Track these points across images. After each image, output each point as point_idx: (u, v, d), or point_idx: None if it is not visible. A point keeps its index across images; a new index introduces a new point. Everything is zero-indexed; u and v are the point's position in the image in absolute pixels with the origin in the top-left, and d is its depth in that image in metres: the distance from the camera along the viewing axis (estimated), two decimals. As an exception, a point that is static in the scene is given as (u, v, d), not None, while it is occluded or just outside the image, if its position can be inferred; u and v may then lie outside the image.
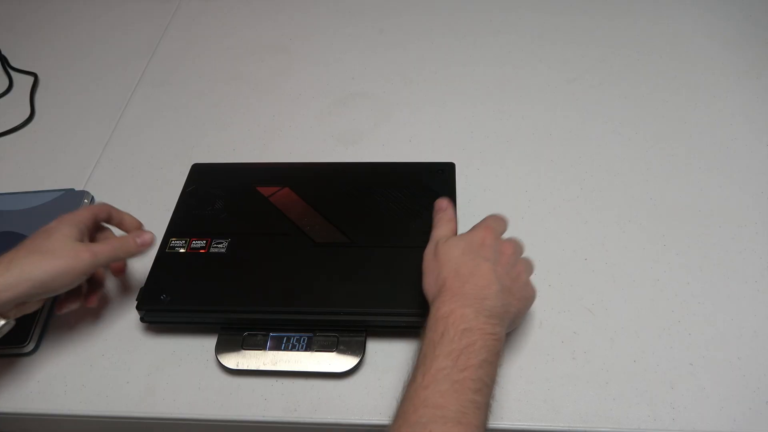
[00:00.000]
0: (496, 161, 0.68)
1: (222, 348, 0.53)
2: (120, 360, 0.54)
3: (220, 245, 0.56)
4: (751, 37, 0.82)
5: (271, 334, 0.53)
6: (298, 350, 0.52)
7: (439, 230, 0.51)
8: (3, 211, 0.64)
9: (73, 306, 0.53)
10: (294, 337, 0.53)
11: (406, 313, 0.52)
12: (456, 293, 0.45)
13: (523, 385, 0.51)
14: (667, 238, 0.60)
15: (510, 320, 0.47)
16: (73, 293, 0.53)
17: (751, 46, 0.80)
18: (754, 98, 0.73)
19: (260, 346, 0.52)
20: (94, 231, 0.54)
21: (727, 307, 0.55)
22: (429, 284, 0.48)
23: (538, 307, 0.55)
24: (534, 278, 0.57)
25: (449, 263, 0.47)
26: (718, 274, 0.57)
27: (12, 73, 0.85)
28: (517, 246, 0.50)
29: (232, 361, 0.52)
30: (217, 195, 0.62)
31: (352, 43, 0.86)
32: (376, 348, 0.53)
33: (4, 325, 0.47)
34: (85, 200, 0.66)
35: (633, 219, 0.62)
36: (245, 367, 0.52)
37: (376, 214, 0.59)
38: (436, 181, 0.61)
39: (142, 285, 0.55)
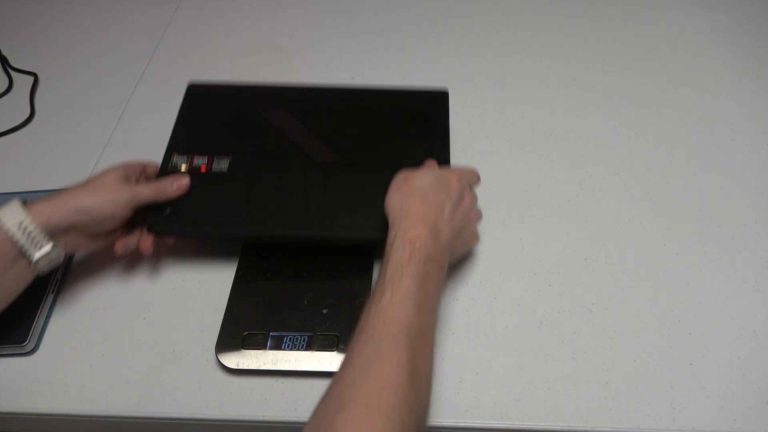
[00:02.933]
0: (496, 161, 0.68)
1: (222, 347, 0.53)
2: (120, 360, 0.54)
3: (222, 163, 0.59)
4: (751, 37, 0.82)
5: (271, 333, 0.53)
6: (298, 350, 0.52)
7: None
8: None
9: (131, 245, 0.56)
10: (294, 336, 0.53)
11: None
12: (421, 220, 0.49)
13: (523, 385, 0.51)
14: (667, 238, 0.60)
15: (451, 259, 0.51)
16: (131, 236, 0.57)
17: (751, 46, 0.80)
18: (754, 98, 0.73)
19: (260, 346, 0.52)
20: (141, 178, 0.58)
21: (727, 307, 0.55)
22: (394, 202, 0.51)
23: (538, 307, 0.55)
24: (534, 278, 0.57)
25: (419, 190, 0.51)
26: (718, 274, 0.57)
27: (12, 73, 0.85)
28: (475, 199, 0.56)
29: (232, 360, 0.52)
30: (217, 114, 0.63)
31: (352, 43, 0.86)
32: (376, 348, 0.53)
33: (50, 251, 0.50)
34: None
35: (633, 219, 0.62)
36: (245, 367, 0.52)
37: (373, 137, 0.61)
38: (430, 107, 0.63)
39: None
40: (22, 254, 0.49)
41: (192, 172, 0.58)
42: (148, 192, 0.55)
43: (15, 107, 0.80)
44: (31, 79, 0.83)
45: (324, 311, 0.54)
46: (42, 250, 0.50)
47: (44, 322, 0.57)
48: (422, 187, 0.52)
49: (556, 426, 0.48)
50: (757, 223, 0.61)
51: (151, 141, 0.74)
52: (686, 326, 0.53)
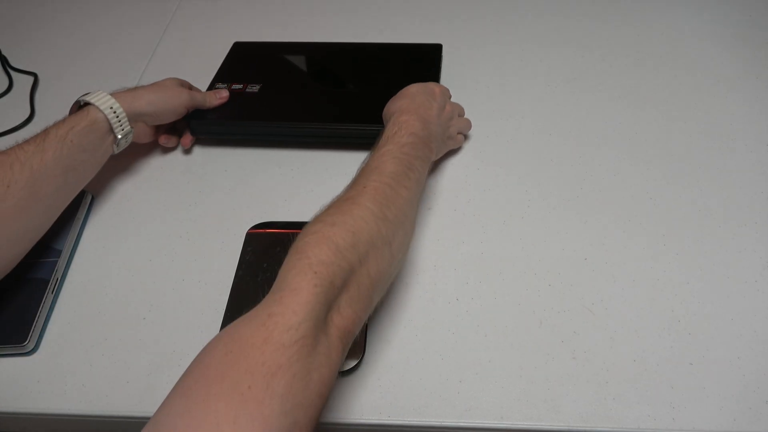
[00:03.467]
0: (496, 161, 0.68)
1: (222, 348, 0.53)
2: (120, 360, 0.54)
3: (254, 88, 0.74)
4: (751, 37, 0.82)
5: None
6: (298, 350, 0.52)
7: None
8: None
9: (172, 142, 0.71)
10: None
11: None
12: (412, 112, 0.58)
13: (523, 385, 0.51)
14: (667, 238, 0.60)
15: (438, 151, 0.63)
16: (173, 132, 0.72)
17: (751, 46, 0.80)
18: (754, 98, 0.73)
19: (260, 346, 0.52)
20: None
21: (727, 307, 0.55)
22: (390, 108, 0.61)
23: (538, 307, 0.55)
24: (534, 278, 0.57)
25: (408, 95, 0.61)
26: (718, 274, 0.57)
27: (12, 73, 0.85)
28: (456, 108, 0.68)
29: (232, 360, 0.52)
30: (252, 60, 0.80)
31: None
32: (376, 347, 0.53)
33: (129, 133, 0.63)
34: (85, 200, 0.66)
35: (633, 219, 0.62)
36: (245, 367, 0.52)
37: (378, 73, 0.76)
38: (426, 54, 0.78)
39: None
40: (110, 131, 0.61)
41: (229, 91, 0.73)
42: (200, 97, 0.70)
43: (15, 107, 0.80)
44: (31, 79, 0.84)
45: (324, 311, 0.54)
46: (124, 131, 0.62)
47: (44, 322, 0.57)
48: (411, 92, 0.62)
49: (556, 426, 0.48)
50: (757, 223, 0.61)
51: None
52: (686, 326, 0.54)
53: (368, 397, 0.51)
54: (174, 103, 0.66)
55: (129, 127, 0.62)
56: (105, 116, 0.60)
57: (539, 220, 0.62)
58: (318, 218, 0.46)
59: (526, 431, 0.49)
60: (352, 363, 0.51)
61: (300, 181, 0.68)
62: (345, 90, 0.75)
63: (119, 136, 0.61)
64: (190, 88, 0.71)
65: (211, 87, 0.75)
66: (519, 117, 0.73)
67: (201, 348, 0.54)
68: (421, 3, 0.91)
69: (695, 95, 0.74)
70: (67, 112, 0.79)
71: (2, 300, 0.57)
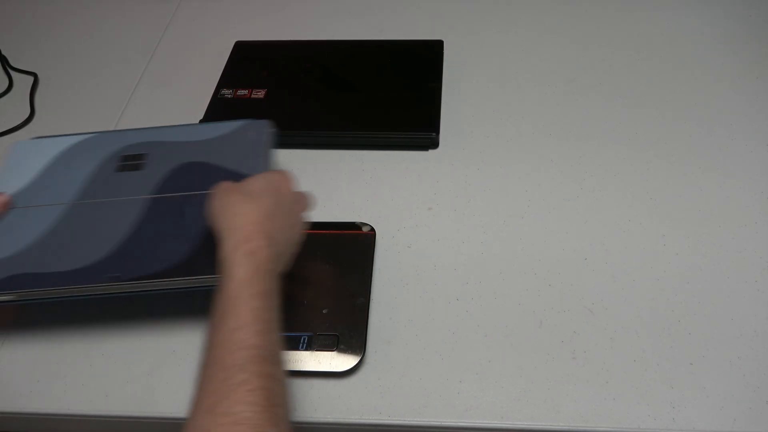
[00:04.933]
0: (496, 161, 0.68)
1: (222, 348, 0.53)
2: (120, 360, 0.54)
3: (259, 93, 0.75)
4: (750, 37, 0.82)
5: (271, 333, 0.53)
6: (298, 350, 0.52)
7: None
8: (182, 143, 0.63)
9: None
10: (294, 336, 0.53)
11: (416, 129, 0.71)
12: (261, 230, 0.45)
13: (523, 385, 0.51)
14: (667, 238, 0.60)
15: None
16: None
17: (750, 46, 0.80)
18: (754, 98, 0.73)
19: (260, 346, 0.52)
20: None
21: (727, 307, 0.55)
22: (224, 209, 0.47)
23: (538, 307, 0.55)
24: (534, 278, 0.57)
25: (252, 196, 0.48)
26: (718, 274, 0.57)
27: (12, 73, 0.85)
28: (305, 204, 0.53)
29: (232, 360, 0.52)
30: (255, 62, 0.80)
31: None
32: (376, 347, 0.53)
33: None
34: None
35: (633, 219, 0.62)
36: (245, 367, 0.52)
37: (379, 72, 0.77)
38: (427, 52, 0.79)
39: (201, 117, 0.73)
40: None
41: (236, 98, 0.75)
42: None
43: (15, 107, 0.80)
44: (31, 79, 0.83)
45: (324, 311, 0.54)
46: None
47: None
48: (255, 192, 0.48)
49: (556, 426, 0.48)
50: (757, 223, 0.61)
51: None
52: (686, 326, 0.54)
53: (368, 397, 0.51)
54: None
55: None
56: None
57: (539, 220, 0.62)
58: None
59: (526, 431, 0.49)
60: (352, 363, 0.51)
61: (300, 181, 0.68)
62: (348, 92, 0.75)
63: None
64: None
65: (216, 93, 0.75)
66: (519, 116, 0.73)
67: (201, 348, 0.54)
68: (422, 0, 0.91)
69: (695, 95, 0.74)
70: (66, 112, 0.79)
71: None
